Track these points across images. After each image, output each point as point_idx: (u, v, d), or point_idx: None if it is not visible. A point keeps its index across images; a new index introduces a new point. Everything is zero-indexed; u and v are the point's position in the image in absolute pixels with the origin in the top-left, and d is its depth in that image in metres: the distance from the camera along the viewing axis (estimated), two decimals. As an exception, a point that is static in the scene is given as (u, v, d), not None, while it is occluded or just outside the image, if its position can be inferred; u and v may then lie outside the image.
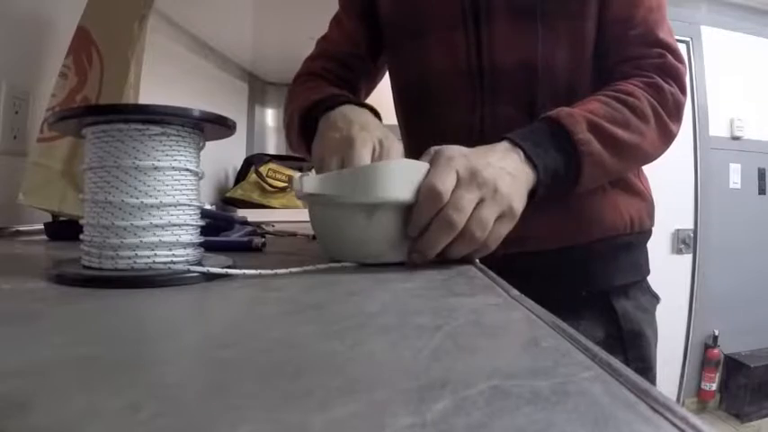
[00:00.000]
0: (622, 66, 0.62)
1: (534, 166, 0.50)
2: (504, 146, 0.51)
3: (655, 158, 0.62)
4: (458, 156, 0.47)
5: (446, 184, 0.44)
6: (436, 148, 0.49)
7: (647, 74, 0.60)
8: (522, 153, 0.51)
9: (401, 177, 0.45)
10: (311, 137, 0.57)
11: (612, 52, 0.63)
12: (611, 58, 0.63)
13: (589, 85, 0.65)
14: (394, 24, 0.73)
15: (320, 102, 0.59)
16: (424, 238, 0.45)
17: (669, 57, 0.61)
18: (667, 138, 0.61)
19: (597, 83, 0.64)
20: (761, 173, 2.56)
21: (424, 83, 0.71)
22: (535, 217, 0.54)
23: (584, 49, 0.64)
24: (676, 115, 0.61)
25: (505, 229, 0.47)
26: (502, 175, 0.47)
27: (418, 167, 0.46)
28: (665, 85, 0.59)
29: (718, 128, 2.48)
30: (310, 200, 0.48)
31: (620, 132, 0.55)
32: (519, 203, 0.48)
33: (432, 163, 0.47)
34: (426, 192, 0.44)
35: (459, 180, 0.45)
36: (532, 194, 0.51)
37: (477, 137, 0.65)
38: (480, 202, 0.45)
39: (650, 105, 0.58)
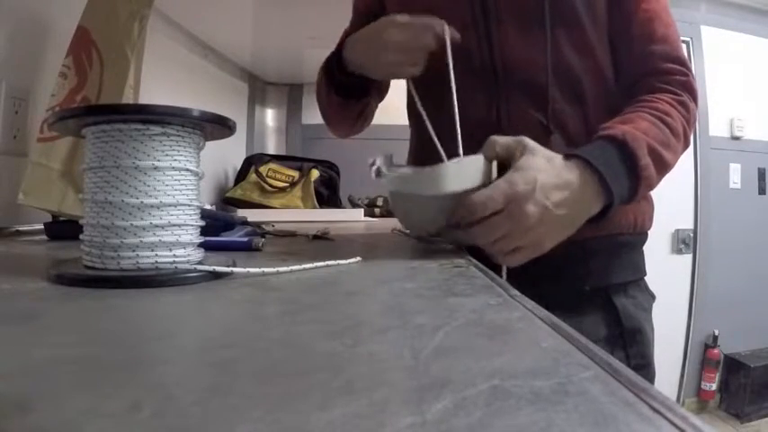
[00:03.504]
0: (649, 78, 0.65)
1: (610, 196, 0.53)
2: (585, 175, 0.53)
3: None
4: (525, 184, 0.50)
5: (491, 203, 0.50)
6: (525, 145, 0.53)
7: (675, 90, 0.63)
8: (600, 181, 0.53)
9: (460, 173, 0.52)
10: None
11: (637, 64, 0.66)
12: (637, 69, 0.66)
13: (603, 89, 0.67)
14: None
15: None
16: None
17: (690, 76, 0.65)
18: (685, 150, 0.64)
19: (614, 89, 0.67)
20: (761, 173, 2.56)
21: (438, 84, 0.72)
22: None
23: (593, 54, 0.66)
24: (692, 131, 0.64)
25: (520, 260, 0.53)
26: (552, 216, 0.51)
27: (476, 164, 0.53)
28: (691, 105, 0.63)
29: (718, 128, 2.48)
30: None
31: (665, 154, 0.58)
32: (551, 244, 0.53)
33: (510, 170, 0.51)
34: (471, 203, 0.50)
35: (503, 209, 0.50)
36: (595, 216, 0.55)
37: (494, 134, 0.66)
38: (506, 235, 0.50)
39: (682, 124, 0.61)
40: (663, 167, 0.58)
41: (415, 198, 0.55)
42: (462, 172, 0.53)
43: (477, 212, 0.51)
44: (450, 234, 0.56)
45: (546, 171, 0.51)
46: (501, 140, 0.53)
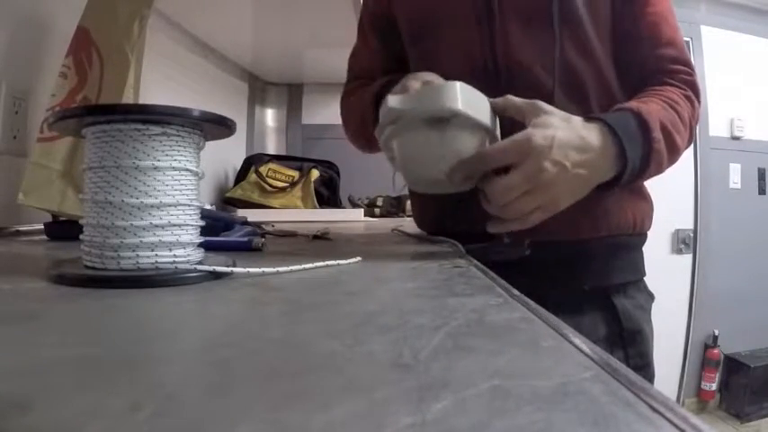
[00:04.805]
0: (658, 75, 0.66)
1: (625, 161, 0.53)
2: (604, 136, 0.53)
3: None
4: (543, 140, 0.49)
5: (504, 155, 0.50)
6: (541, 107, 0.53)
7: (682, 86, 0.64)
8: (618, 144, 0.53)
9: (470, 97, 0.50)
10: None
11: (645, 65, 0.67)
12: (644, 69, 0.67)
13: (605, 89, 0.67)
14: (411, 28, 0.76)
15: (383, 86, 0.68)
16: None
17: (695, 76, 0.66)
18: (689, 146, 0.65)
19: (615, 89, 0.68)
20: (761, 173, 2.56)
21: None
22: None
23: (594, 54, 0.66)
24: (695, 128, 0.66)
25: (538, 218, 0.52)
26: (569, 175, 0.50)
27: (485, 100, 0.52)
28: (696, 102, 0.65)
29: (718, 128, 2.48)
30: (392, 129, 0.53)
31: (675, 135, 0.59)
32: (566, 204, 0.53)
33: (528, 125, 0.51)
34: (483, 152, 0.50)
35: (521, 164, 0.49)
36: (606, 183, 0.55)
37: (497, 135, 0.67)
38: (526, 192, 0.50)
39: (688, 114, 0.62)
40: (672, 150, 0.59)
41: (421, 129, 0.50)
42: (472, 97, 0.50)
43: (490, 162, 0.50)
44: (454, 184, 0.52)
45: (564, 129, 0.51)
46: (514, 99, 0.54)
